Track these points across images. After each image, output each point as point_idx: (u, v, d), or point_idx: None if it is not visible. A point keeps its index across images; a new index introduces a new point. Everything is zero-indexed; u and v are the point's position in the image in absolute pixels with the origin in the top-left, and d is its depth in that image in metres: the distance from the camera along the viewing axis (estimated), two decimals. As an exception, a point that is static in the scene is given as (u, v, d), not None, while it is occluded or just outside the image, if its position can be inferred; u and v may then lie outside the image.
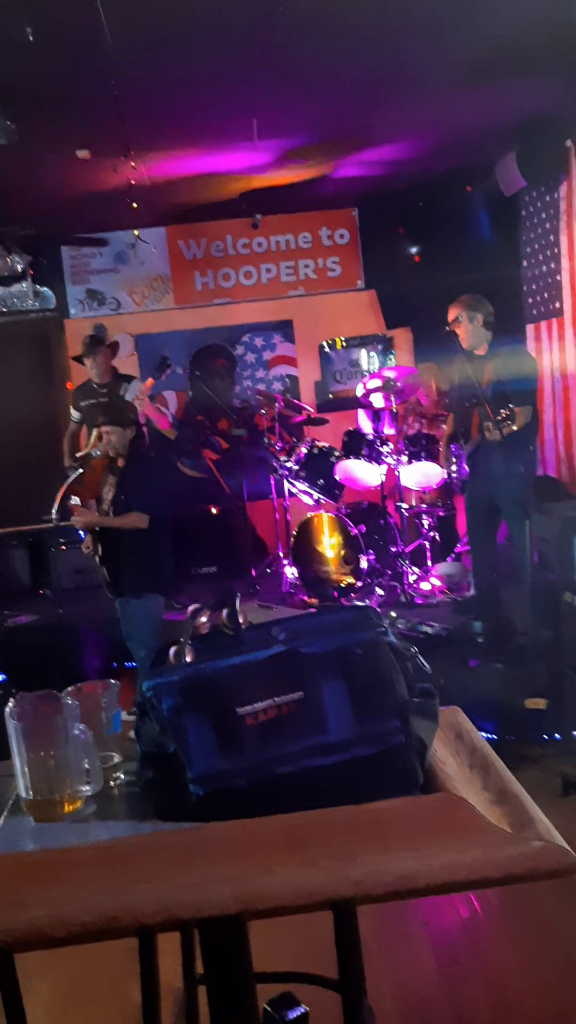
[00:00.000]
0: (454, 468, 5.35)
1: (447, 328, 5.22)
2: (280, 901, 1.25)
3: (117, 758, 1.61)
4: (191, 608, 1.64)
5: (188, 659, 1.54)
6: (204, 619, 1.63)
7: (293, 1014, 1.34)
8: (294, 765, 1.43)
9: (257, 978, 1.62)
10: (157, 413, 6.93)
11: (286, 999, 1.36)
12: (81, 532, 5.13)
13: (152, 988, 1.55)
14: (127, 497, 4.70)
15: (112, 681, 1.66)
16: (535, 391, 5.46)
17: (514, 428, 4.80)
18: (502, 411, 4.76)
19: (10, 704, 1.50)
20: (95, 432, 4.96)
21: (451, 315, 5.21)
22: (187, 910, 1.26)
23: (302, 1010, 1.37)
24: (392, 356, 8.50)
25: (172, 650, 1.56)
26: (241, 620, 1.59)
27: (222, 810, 1.39)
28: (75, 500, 4.82)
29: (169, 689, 1.45)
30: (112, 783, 1.58)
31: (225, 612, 1.60)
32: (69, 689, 1.60)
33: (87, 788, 1.53)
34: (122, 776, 1.60)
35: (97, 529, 4.84)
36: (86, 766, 1.52)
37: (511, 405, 4.79)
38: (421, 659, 1.60)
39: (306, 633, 1.54)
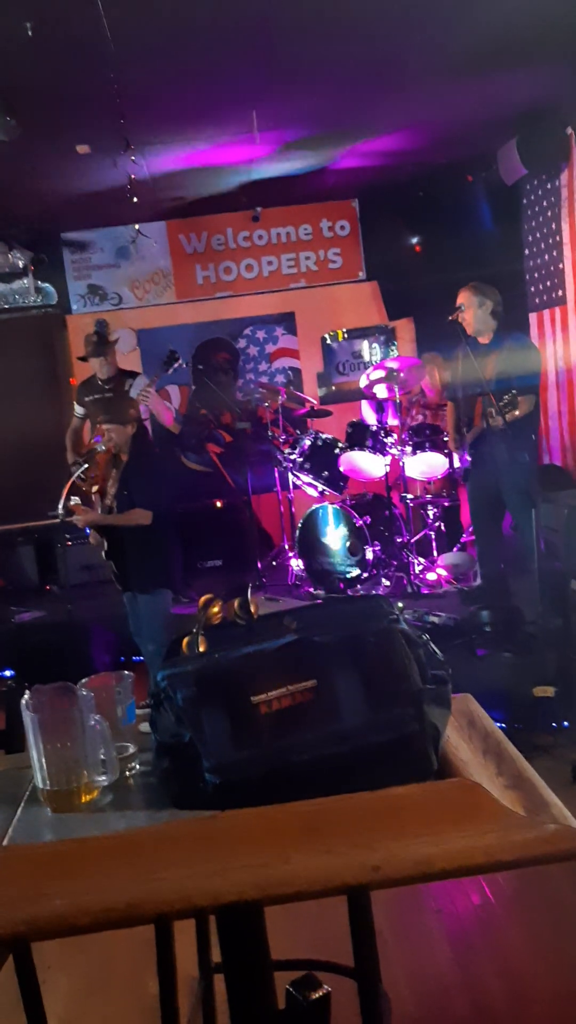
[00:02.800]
0: (468, 457, 5.35)
1: (450, 318, 5.22)
2: (299, 887, 1.26)
3: (132, 748, 1.62)
4: (203, 599, 1.65)
5: (201, 649, 1.55)
6: (216, 610, 1.63)
7: (316, 994, 1.36)
8: (309, 753, 1.44)
9: (273, 966, 1.63)
10: (164, 408, 6.93)
11: (308, 980, 1.37)
12: (86, 528, 5.13)
13: (169, 977, 1.55)
14: (130, 493, 4.70)
15: (126, 672, 1.67)
16: (539, 380, 5.46)
17: (516, 413, 4.81)
18: (505, 396, 4.78)
19: (26, 696, 1.51)
20: (97, 428, 4.97)
21: (459, 300, 5.21)
22: (207, 897, 1.27)
23: (324, 990, 1.38)
24: (395, 347, 8.49)
25: (185, 640, 1.57)
26: (253, 610, 1.59)
27: (238, 798, 1.40)
28: (75, 500, 4.82)
29: (184, 679, 1.46)
30: (128, 773, 1.59)
31: (237, 602, 1.61)
32: (84, 681, 1.61)
33: (103, 778, 1.54)
34: (138, 766, 1.61)
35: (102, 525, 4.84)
36: (102, 757, 1.53)
37: (514, 391, 4.80)
38: (433, 646, 1.61)
39: (318, 622, 1.55)
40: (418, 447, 6.17)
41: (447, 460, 6.08)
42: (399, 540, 6.31)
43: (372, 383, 6.59)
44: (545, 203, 6.92)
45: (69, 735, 1.49)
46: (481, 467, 5.31)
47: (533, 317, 7.31)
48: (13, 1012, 1.67)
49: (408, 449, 6.19)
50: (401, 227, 7.99)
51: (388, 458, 6.29)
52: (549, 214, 6.86)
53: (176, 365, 6.32)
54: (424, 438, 6.18)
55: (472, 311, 5.18)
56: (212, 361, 8.33)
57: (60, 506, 4.84)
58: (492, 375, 5.11)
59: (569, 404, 6.77)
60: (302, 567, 6.46)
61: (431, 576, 6.23)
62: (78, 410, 6.78)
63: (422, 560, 6.36)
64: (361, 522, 6.10)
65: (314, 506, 6.39)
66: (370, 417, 6.66)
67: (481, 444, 5.25)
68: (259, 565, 6.91)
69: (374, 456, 6.26)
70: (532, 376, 5.21)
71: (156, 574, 4.82)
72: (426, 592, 6.07)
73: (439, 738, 1.51)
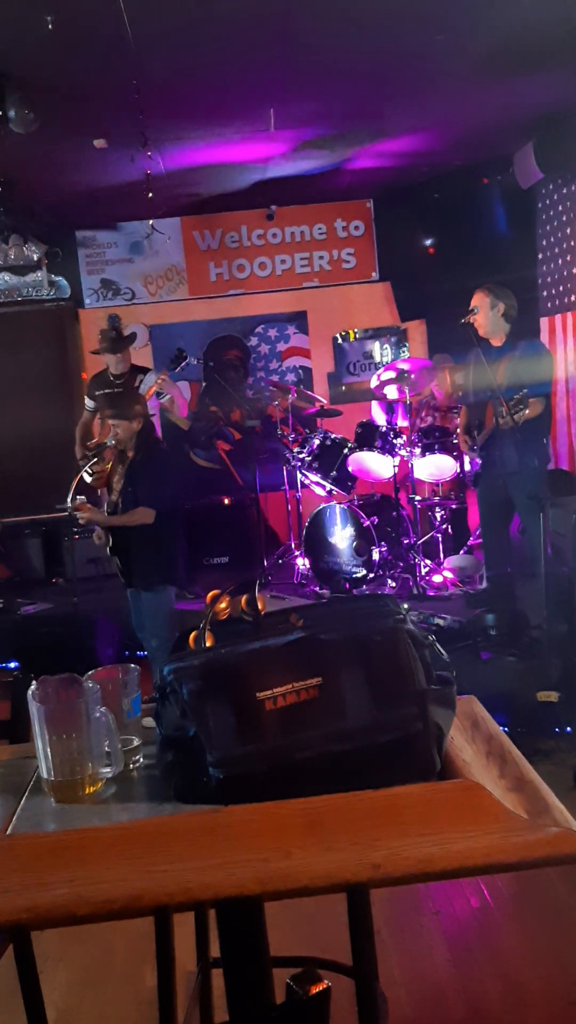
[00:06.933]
0: (477, 459, 5.35)
1: (463, 320, 5.22)
2: (300, 883, 1.27)
3: (137, 741, 1.62)
4: (211, 595, 1.65)
5: (208, 644, 1.56)
6: (224, 605, 1.64)
7: (316, 988, 1.36)
8: (313, 750, 1.44)
9: (271, 962, 1.64)
10: (181, 397, 6.93)
11: (308, 975, 1.37)
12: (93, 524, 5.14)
13: (168, 970, 1.56)
14: (134, 490, 4.70)
15: (133, 666, 1.67)
16: (550, 384, 5.46)
17: (527, 413, 4.80)
18: (515, 396, 4.78)
19: (33, 687, 1.52)
20: (106, 423, 4.98)
21: (473, 302, 5.21)
22: (207, 890, 1.27)
23: (324, 985, 1.39)
24: (406, 348, 8.49)
25: (193, 635, 1.57)
26: (260, 607, 1.60)
27: (241, 794, 1.40)
28: (81, 498, 4.83)
29: (190, 673, 1.46)
30: (132, 766, 1.60)
31: (244, 598, 1.61)
32: (91, 673, 1.62)
33: (107, 770, 1.54)
34: (142, 759, 1.62)
35: None
36: (107, 749, 1.53)
37: (525, 391, 4.80)
38: (439, 647, 1.61)
39: (325, 620, 1.55)
40: (427, 449, 6.17)
41: (456, 462, 6.08)
42: (406, 541, 6.31)
43: (382, 384, 6.59)
44: (560, 207, 6.91)
45: (74, 726, 1.49)
46: (491, 470, 5.31)
47: (544, 321, 7.30)
48: (12, 1001, 1.68)
49: (417, 451, 6.19)
50: (415, 228, 7.99)
51: (397, 459, 6.29)
52: (564, 218, 6.85)
53: (184, 363, 6.33)
54: (433, 440, 6.18)
55: (484, 313, 5.17)
56: (223, 358, 8.34)
57: (69, 499, 4.84)
58: (504, 379, 5.10)
59: (579, 409, 6.76)
60: (308, 566, 6.47)
61: (437, 578, 6.23)
62: (88, 404, 6.79)
63: (428, 562, 6.36)
64: (368, 522, 6.10)
65: (322, 505, 6.39)
66: (380, 418, 6.66)
67: (491, 447, 5.24)
68: (265, 563, 6.92)
69: (383, 457, 6.26)
70: (544, 380, 5.20)
71: (160, 571, 4.83)
72: (432, 594, 6.07)
73: (443, 739, 1.51)
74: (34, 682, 1.53)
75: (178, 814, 1.43)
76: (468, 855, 1.30)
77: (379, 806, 1.36)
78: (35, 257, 7.73)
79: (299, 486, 6.85)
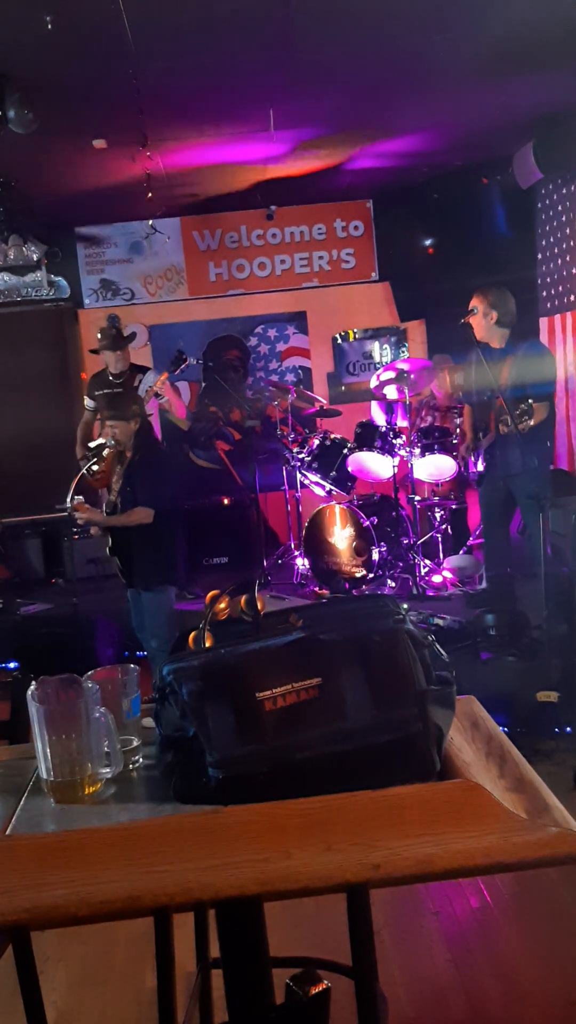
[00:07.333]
0: (481, 464, 5.36)
1: (462, 320, 5.22)
2: (300, 883, 1.27)
3: (137, 742, 1.62)
4: (210, 595, 1.65)
5: (207, 644, 1.56)
6: (223, 606, 1.64)
7: (315, 989, 1.36)
8: (312, 751, 1.44)
9: (271, 962, 1.64)
10: (178, 401, 6.94)
11: (308, 975, 1.37)
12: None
13: (168, 970, 1.56)
14: (133, 490, 4.70)
15: (132, 666, 1.67)
16: (553, 386, 5.46)
17: (531, 423, 4.80)
18: (521, 406, 4.77)
19: (32, 687, 1.52)
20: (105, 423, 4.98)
21: (472, 302, 5.21)
22: (207, 890, 1.27)
23: (324, 985, 1.39)
24: (405, 348, 8.49)
25: (192, 636, 1.57)
26: (260, 607, 1.60)
27: (241, 794, 1.40)
28: (79, 498, 4.83)
29: (190, 673, 1.46)
30: (131, 766, 1.60)
31: (244, 598, 1.61)
32: (90, 673, 1.62)
33: (107, 771, 1.54)
34: (141, 759, 1.62)
35: None
36: (106, 749, 1.53)
37: (530, 400, 4.80)
38: (438, 647, 1.61)
39: (325, 620, 1.55)
40: (427, 449, 6.17)
41: (455, 463, 6.07)
42: (405, 542, 6.31)
43: (382, 384, 6.59)
44: (560, 207, 6.91)
45: (74, 727, 1.49)
46: (493, 471, 5.31)
47: (544, 322, 7.30)
48: (12, 1001, 1.68)
49: (416, 451, 6.19)
50: (415, 229, 7.99)
51: (396, 459, 6.29)
52: (564, 218, 6.85)
53: (184, 365, 6.35)
54: (433, 440, 6.18)
55: (478, 318, 5.18)
56: (222, 358, 8.34)
57: (68, 499, 4.84)
58: (506, 381, 5.10)
59: (579, 409, 6.76)
60: (307, 566, 6.47)
61: (437, 578, 6.23)
62: (88, 403, 6.80)
63: (428, 562, 6.36)
64: (368, 523, 6.10)
65: (321, 505, 6.39)
66: (379, 418, 6.66)
67: (494, 448, 5.25)
68: (265, 563, 6.91)
69: (382, 457, 6.26)
70: (547, 383, 5.20)
71: (160, 571, 4.83)
72: (431, 594, 6.07)
73: (442, 739, 1.51)
74: (34, 682, 1.53)
75: (178, 814, 1.43)
76: (468, 855, 1.30)
77: (379, 806, 1.36)
78: (35, 257, 7.73)
79: (299, 486, 6.85)
